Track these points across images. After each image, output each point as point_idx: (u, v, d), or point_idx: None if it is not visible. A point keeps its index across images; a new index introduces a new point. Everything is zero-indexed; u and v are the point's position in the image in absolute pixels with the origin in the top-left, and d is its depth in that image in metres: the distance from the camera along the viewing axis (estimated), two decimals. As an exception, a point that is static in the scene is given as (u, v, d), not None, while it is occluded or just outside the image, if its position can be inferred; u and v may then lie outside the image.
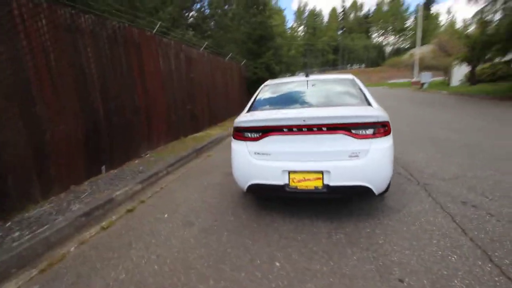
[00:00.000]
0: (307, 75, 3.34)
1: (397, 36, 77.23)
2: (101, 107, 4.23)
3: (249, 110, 2.91)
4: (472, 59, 13.15)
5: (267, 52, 15.13)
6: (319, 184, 2.30)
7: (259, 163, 2.46)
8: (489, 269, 1.85)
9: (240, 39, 15.65)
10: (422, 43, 62.57)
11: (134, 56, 5.14)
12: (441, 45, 21.23)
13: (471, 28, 14.02)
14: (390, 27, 76.50)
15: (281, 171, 2.37)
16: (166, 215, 2.97)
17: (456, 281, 1.76)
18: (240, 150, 2.58)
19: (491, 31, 10.65)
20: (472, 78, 18.01)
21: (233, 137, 2.73)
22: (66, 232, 2.66)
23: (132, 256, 2.26)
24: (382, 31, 78.42)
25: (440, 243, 2.16)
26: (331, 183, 2.27)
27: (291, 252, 2.17)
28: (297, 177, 2.34)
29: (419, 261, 1.97)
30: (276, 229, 2.52)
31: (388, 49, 79.44)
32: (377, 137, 2.26)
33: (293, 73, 18.51)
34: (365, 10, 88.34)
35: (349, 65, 76.02)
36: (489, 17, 11.74)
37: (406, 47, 74.41)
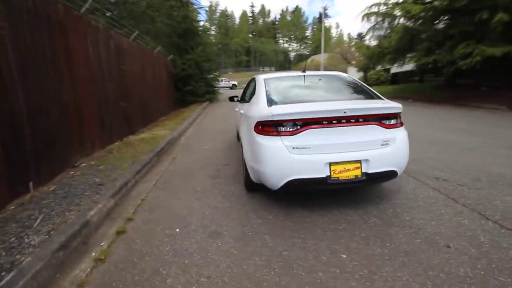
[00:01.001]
0: (304, 71, 3.40)
1: (299, 43, 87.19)
2: (24, 105, 3.12)
3: (270, 105, 2.71)
4: (368, 66, 16.23)
5: (195, 48, 14.47)
6: (358, 173, 2.38)
7: (299, 157, 2.35)
8: (492, 225, 2.35)
9: (161, 32, 14.37)
10: (320, 52, 72.89)
11: (59, 39, 4.01)
12: (343, 53, 25.24)
13: (368, 41, 17.27)
14: (293, 36, 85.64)
15: (324, 164, 2.34)
16: (178, 230, 2.47)
17: (482, 239, 2.16)
18: (274, 145, 2.39)
19: (385, 45, 13.44)
20: (365, 82, 22.27)
21: (259, 132, 2.51)
22: (45, 277, 1.86)
23: (176, 286, 1.79)
24: (286, 38, 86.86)
25: (447, 212, 2.59)
26: (369, 171, 2.40)
27: (345, 242, 2.18)
28: (338, 168, 2.35)
29: (446, 229, 2.31)
30: (314, 224, 2.46)
31: (293, 54, 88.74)
32: (399, 126, 2.52)
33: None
34: (272, 16, 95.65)
35: (261, 67, 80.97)
36: (380, 33, 14.75)
37: (307, 53, 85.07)
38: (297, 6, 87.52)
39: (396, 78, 23.31)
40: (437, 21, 11.01)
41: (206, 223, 2.57)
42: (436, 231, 2.29)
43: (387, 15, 14.04)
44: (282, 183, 2.41)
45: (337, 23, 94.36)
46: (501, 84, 10.15)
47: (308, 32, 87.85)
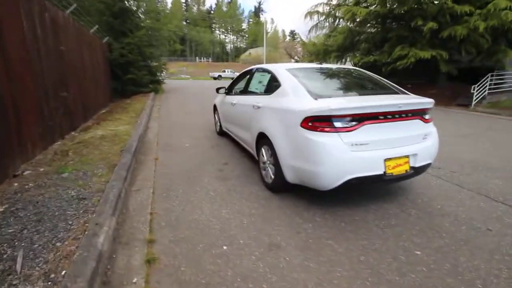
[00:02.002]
0: (321, 63, 3.28)
1: (236, 36, 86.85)
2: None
3: (315, 98, 2.44)
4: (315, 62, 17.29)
5: (136, 31, 12.73)
6: (407, 167, 2.39)
7: (358, 154, 2.20)
8: (502, 206, 2.69)
9: (93, 10, 12.15)
10: (256, 45, 74.19)
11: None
12: (287, 49, 26.16)
13: (309, 38, 18.22)
14: (229, 27, 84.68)
15: (382, 160, 2.26)
16: (225, 247, 2.05)
17: (506, 219, 2.45)
18: (331, 142, 2.18)
19: (330, 43, 14.42)
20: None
21: (309, 128, 2.26)
22: None
23: None
24: (223, 30, 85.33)
25: (463, 197, 2.87)
26: (416, 165, 2.44)
27: (408, 238, 2.17)
28: (392, 164, 2.31)
29: (474, 213, 2.55)
30: (366, 222, 2.39)
31: (230, 46, 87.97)
32: (432, 121, 2.63)
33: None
34: (207, 5, 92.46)
35: (197, 57, 77.75)
36: (322, 32, 15.79)
37: (244, 46, 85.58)
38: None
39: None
40: (377, 25, 12.36)
41: (253, 234, 2.21)
42: (469, 216, 2.49)
43: (330, 15, 15.05)
44: (339, 183, 2.23)
45: (272, 19, 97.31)
46: (424, 82, 12.14)
47: (244, 25, 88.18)
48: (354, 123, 2.21)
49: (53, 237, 1.98)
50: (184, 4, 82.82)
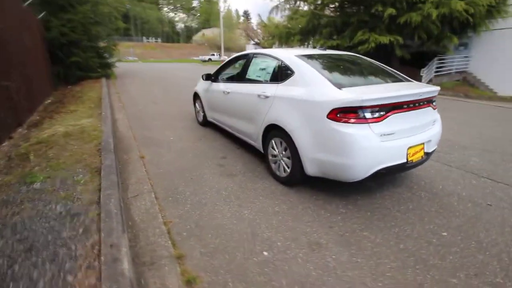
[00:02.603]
0: (325, 49, 3.15)
1: (187, 14, 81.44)
2: None
3: (339, 87, 2.32)
4: (277, 45, 17.09)
5: (80, 7, 10.97)
6: (422, 153, 2.48)
7: (387, 144, 2.20)
8: (487, 180, 3.02)
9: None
10: (209, 26, 70.78)
11: None
12: (247, 31, 25.34)
13: (274, 20, 17.92)
14: (179, 5, 78.86)
15: (406, 149, 2.29)
16: (265, 253, 1.90)
17: (498, 193, 2.75)
18: (363, 133, 2.12)
19: (293, 26, 14.35)
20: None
21: (338, 120, 2.17)
22: None
23: None
24: (171, 7, 79.12)
25: (458, 176, 3.14)
26: (429, 150, 2.55)
27: (431, 220, 2.28)
28: (412, 151, 2.36)
29: (473, 190, 2.81)
30: (387, 208, 2.45)
31: (181, 25, 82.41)
32: (436, 108, 2.75)
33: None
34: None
35: (144, 37, 71.26)
36: (284, 14, 15.61)
37: (196, 26, 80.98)
38: (180, -28, 79.82)
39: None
40: (339, 9, 12.61)
41: (288, 234, 2.10)
42: (469, 194, 2.73)
43: (292, -4, 14.89)
44: (368, 174, 2.22)
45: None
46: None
47: (196, 3, 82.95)
48: (382, 113, 2.18)
49: (59, 270, 1.60)
50: (124, -24, 74.15)
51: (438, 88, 2.56)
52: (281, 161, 2.80)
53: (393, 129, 2.25)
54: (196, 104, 5.15)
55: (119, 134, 4.59)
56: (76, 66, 11.08)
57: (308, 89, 2.44)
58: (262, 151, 3.18)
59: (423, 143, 2.48)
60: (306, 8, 14.90)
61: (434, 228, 2.21)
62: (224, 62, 4.16)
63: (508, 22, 10.81)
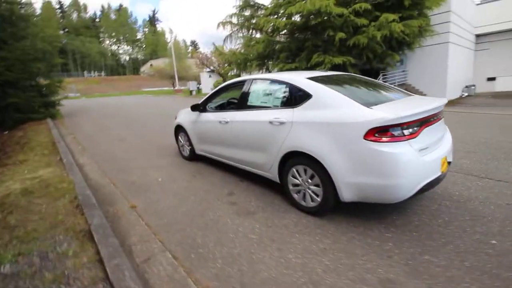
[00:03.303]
0: (326, 70, 3.13)
1: (131, 46, 79.42)
2: None
3: (367, 107, 2.23)
4: (235, 71, 17.39)
5: (16, 43, 9.74)
6: (447, 163, 2.50)
7: (426, 159, 2.14)
8: (489, 180, 3.21)
9: None
10: (157, 56, 69.95)
11: None
12: (201, 59, 25.36)
13: (225, 48, 18.31)
14: (122, 37, 76.77)
15: (440, 161, 2.27)
16: (342, 306, 1.60)
17: (507, 191, 2.90)
18: (405, 151, 2.04)
19: (250, 52, 14.80)
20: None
21: (377, 140, 2.07)
22: None
23: None
24: (114, 39, 76.55)
25: (461, 180, 3.27)
26: (450, 160, 2.59)
27: (472, 230, 2.25)
28: (441, 163, 2.36)
29: (485, 192, 2.92)
30: (426, 224, 2.37)
31: (125, 58, 79.70)
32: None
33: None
34: (90, 12, 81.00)
35: (86, 71, 66.89)
36: (238, 41, 16.16)
37: (142, 57, 79.21)
38: (121, 5, 78.59)
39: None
40: (294, 35, 13.44)
41: (351, 275, 1.83)
42: (485, 196, 2.83)
43: (245, 26, 15.53)
44: (413, 192, 2.12)
45: (170, 29, 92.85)
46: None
47: (140, 35, 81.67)
48: (416, 128, 2.15)
49: None
50: (59, 11, 70.08)
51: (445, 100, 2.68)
52: (307, 190, 2.57)
53: (426, 143, 2.23)
54: (180, 138, 4.71)
55: (92, 182, 3.87)
56: (14, 108, 9.63)
57: (334, 111, 2.32)
58: (278, 181, 2.92)
59: (445, 154, 2.51)
60: (258, 35, 15.66)
61: (481, 237, 2.17)
62: (213, 91, 3.90)
63: (434, 40, 12.73)
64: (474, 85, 16.69)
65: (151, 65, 61.24)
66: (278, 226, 2.48)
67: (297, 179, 2.64)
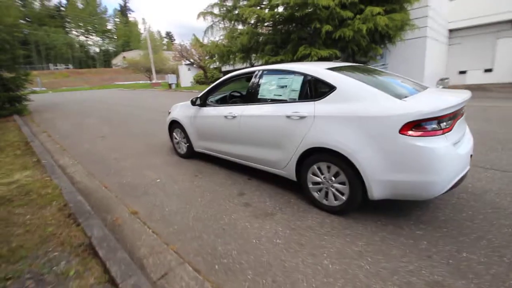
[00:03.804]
0: (340, 61, 2.96)
1: (102, 37, 74.79)
2: None
3: (400, 99, 2.10)
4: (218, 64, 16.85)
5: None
6: (470, 158, 2.45)
7: (459, 153, 2.06)
8: (496, 171, 3.26)
9: None
10: (130, 48, 66.55)
11: None
12: (181, 51, 24.29)
13: (205, 40, 17.63)
14: (91, 28, 71.96)
15: (469, 156, 2.21)
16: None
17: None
18: (442, 145, 1.93)
19: (233, 44, 14.35)
20: (206, 80, 23.06)
21: (414, 135, 1.94)
22: None
23: None
24: (83, 30, 71.54)
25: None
26: (472, 153, 2.54)
27: (499, 224, 2.23)
28: (469, 157, 2.30)
29: (497, 183, 2.94)
30: (455, 220, 2.31)
31: (95, 49, 74.98)
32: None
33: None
34: (55, 0, 74.89)
35: (52, 64, 62.08)
36: (219, 33, 15.63)
37: (114, 49, 74.98)
38: (88, -7, 73.19)
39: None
40: (280, 26, 13.18)
41: (396, 280, 1.71)
42: (498, 187, 2.85)
43: (227, 16, 15.02)
44: (448, 187, 2.03)
45: (143, 19, 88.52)
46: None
47: (111, 25, 77.04)
48: (450, 121, 2.06)
49: None
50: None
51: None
52: (330, 188, 2.42)
53: (458, 136, 2.15)
54: (175, 134, 4.37)
55: (80, 186, 3.47)
56: (-28, 104, 8.59)
57: (363, 104, 2.17)
58: (294, 179, 2.75)
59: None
60: (240, 27, 15.23)
61: (509, 231, 2.14)
62: (215, 84, 3.61)
63: (412, 34, 13.09)
64: (448, 78, 17.53)
65: (124, 57, 58.15)
66: (302, 228, 2.31)
67: (319, 176, 2.48)
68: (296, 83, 2.65)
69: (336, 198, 2.42)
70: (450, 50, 19.20)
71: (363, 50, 12.12)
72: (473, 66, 18.27)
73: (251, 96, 3.06)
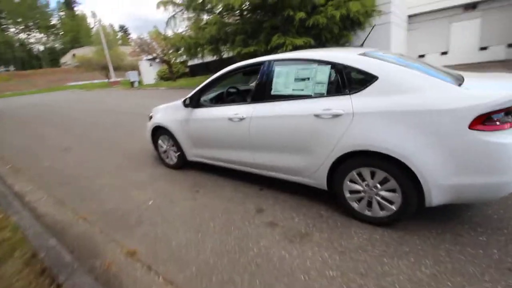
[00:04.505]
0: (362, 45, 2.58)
1: (46, 34, 67.15)
2: None
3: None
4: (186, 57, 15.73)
5: None
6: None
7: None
8: None
9: None
10: (81, 45, 60.79)
11: None
12: (141, 46, 22.33)
13: (175, 31, 16.37)
14: (32, 23, 64.16)
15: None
16: None
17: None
18: (509, 141, 1.64)
19: (200, 36, 13.38)
20: (172, 75, 21.66)
21: (486, 129, 1.62)
22: None
23: None
24: (22, 26, 63.50)
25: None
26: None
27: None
28: None
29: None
30: (507, 221, 2.09)
31: (39, 48, 67.26)
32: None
33: None
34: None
35: (-14, 66, 54.54)
36: (182, 24, 14.57)
37: (61, 47, 68.00)
38: (23, -16, 64.73)
39: (194, 71, 24.58)
40: (250, 15, 12.52)
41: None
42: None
43: (191, 6, 13.98)
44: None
45: (93, 12, 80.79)
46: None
47: (55, 20, 69.39)
48: (513, 113, 1.77)
49: None
50: None
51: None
52: (375, 197, 2.06)
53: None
54: (161, 142, 3.71)
55: (48, 220, 2.72)
56: None
57: (417, 95, 1.80)
58: (325, 188, 2.34)
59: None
60: (206, 16, 14.32)
61: None
62: (210, 80, 3.02)
63: (378, 20, 13.30)
64: (410, 62, 18.38)
65: (74, 55, 53.02)
66: (352, 250, 1.92)
67: (359, 184, 2.10)
68: (322, 74, 2.21)
69: (382, 208, 2.06)
70: (409, 35, 20.15)
71: (335, 37, 12.04)
72: (431, 49, 19.36)
73: (261, 93, 2.56)
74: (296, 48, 11.13)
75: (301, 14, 10.34)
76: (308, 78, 2.28)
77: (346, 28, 12.42)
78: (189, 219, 2.50)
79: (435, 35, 18.95)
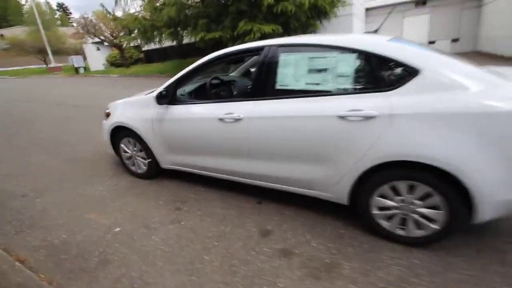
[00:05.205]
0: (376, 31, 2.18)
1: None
2: None
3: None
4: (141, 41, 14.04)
5: None
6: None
7: None
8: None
9: None
10: (10, 24, 51.92)
11: None
12: (86, 26, 19.38)
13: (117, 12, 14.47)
14: None
15: None
16: None
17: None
18: None
19: (157, 18, 11.96)
20: (124, 61, 19.47)
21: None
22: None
23: None
24: None
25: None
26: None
27: None
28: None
29: None
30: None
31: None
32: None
33: None
34: None
35: None
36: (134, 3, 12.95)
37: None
38: None
39: (150, 57, 22.44)
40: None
41: None
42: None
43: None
44: None
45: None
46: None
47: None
48: None
49: None
50: None
51: None
52: (411, 214, 1.72)
53: None
54: (124, 146, 2.96)
55: (16, 268, 1.89)
56: None
57: (475, 94, 1.45)
58: (345, 203, 1.95)
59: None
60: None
61: None
62: (189, 69, 2.36)
63: (341, 12, 13.36)
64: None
65: (1, 35, 45.10)
66: (392, 284, 1.56)
67: (391, 200, 1.74)
68: (345, 64, 1.75)
69: (420, 227, 1.73)
70: (366, 28, 20.97)
71: (303, 26, 11.78)
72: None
73: (261, 87, 2.03)
74: (264, 36, 10.60)
75: (270, 0, 9.78)
76: (326, 70, 1.81)
77: (313, 17, 12.23)
78: (175, 254, 1.90)
79: (389, 29, 19.96)
